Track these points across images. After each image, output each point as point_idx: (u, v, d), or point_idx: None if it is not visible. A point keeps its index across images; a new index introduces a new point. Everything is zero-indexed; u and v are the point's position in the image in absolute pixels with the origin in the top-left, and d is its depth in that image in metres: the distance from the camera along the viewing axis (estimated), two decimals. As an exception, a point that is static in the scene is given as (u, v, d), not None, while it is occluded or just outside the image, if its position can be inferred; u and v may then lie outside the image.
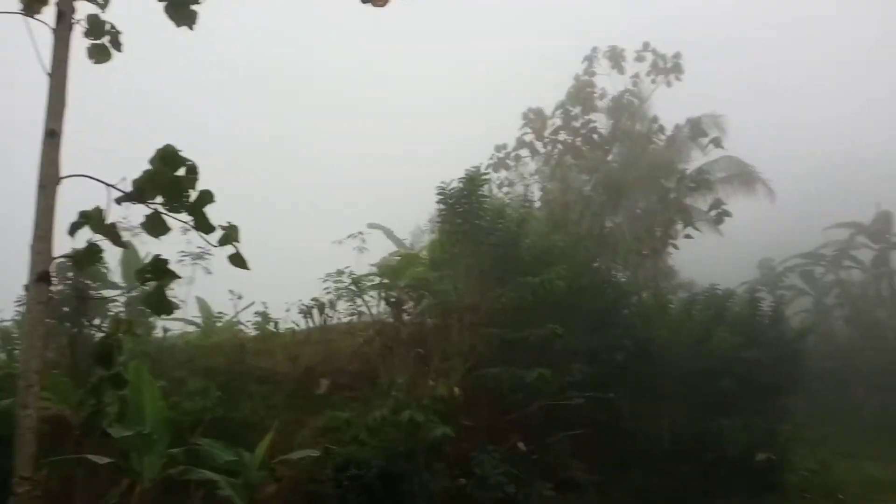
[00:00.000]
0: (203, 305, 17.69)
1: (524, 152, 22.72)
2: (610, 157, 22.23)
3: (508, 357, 14.43)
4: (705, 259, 28.11)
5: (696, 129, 21.72)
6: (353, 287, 15.79)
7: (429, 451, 12.43)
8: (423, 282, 15.21)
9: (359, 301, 16.25)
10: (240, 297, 16.40)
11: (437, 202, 15.74)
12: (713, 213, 20.97)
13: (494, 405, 14.49)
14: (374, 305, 16.55)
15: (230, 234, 5.14)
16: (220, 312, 17.20)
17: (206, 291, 17.05)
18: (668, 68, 21.82)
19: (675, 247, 21.12)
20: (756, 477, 16.79)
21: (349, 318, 16.83)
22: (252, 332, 16.29)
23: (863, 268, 31.92)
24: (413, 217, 22.17)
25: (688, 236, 20.59)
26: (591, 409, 14.32)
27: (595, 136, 21.43)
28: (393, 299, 15.72)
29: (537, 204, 20.36)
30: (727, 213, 20.76)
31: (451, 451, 12.85)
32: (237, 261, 5.24)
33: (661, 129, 21.34)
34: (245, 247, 5.22)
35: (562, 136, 21.60)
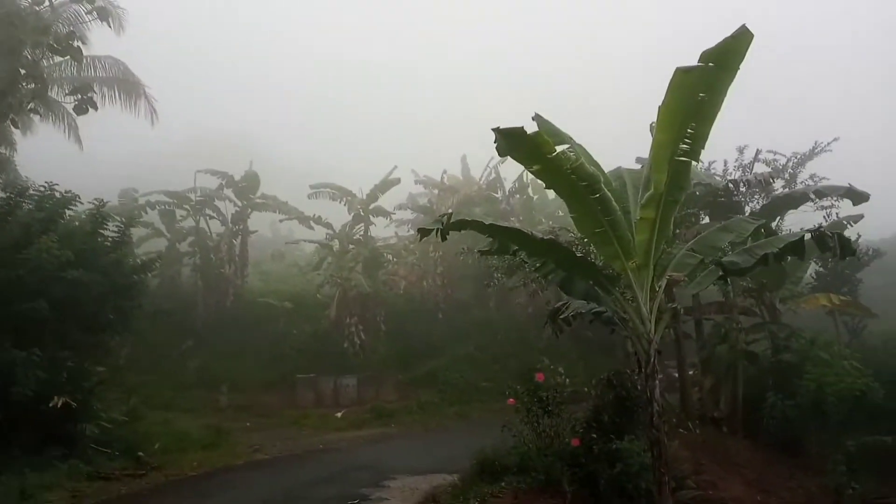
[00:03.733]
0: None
1: None
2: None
3: None
4: (64, 176, 23.20)
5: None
6: None
7: None
8: None
9: None
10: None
11: None
12: (76, 98, 16.42)
13: None
14: None
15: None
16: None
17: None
18: None
19: (15, 124, 15.94)
20: (46, 426, 13.36)
21: None
22: None
23: (223, 220, 31.48)
24: None
25: (35, 111, 15.68)
26: None
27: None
28: None
29: None
30: (92, 104, 16.59)
31: None
32: None
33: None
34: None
35: None
